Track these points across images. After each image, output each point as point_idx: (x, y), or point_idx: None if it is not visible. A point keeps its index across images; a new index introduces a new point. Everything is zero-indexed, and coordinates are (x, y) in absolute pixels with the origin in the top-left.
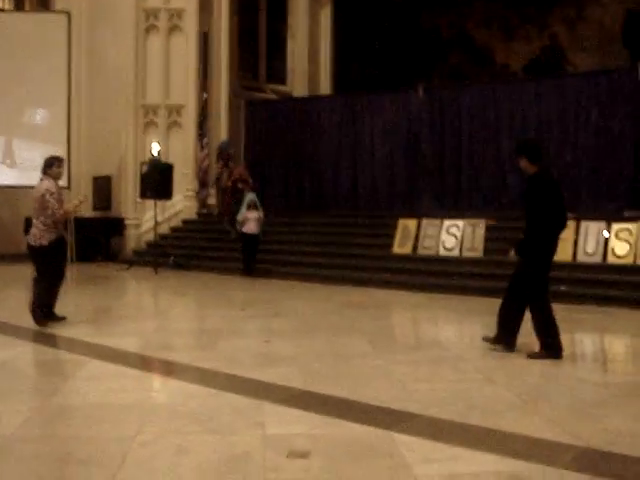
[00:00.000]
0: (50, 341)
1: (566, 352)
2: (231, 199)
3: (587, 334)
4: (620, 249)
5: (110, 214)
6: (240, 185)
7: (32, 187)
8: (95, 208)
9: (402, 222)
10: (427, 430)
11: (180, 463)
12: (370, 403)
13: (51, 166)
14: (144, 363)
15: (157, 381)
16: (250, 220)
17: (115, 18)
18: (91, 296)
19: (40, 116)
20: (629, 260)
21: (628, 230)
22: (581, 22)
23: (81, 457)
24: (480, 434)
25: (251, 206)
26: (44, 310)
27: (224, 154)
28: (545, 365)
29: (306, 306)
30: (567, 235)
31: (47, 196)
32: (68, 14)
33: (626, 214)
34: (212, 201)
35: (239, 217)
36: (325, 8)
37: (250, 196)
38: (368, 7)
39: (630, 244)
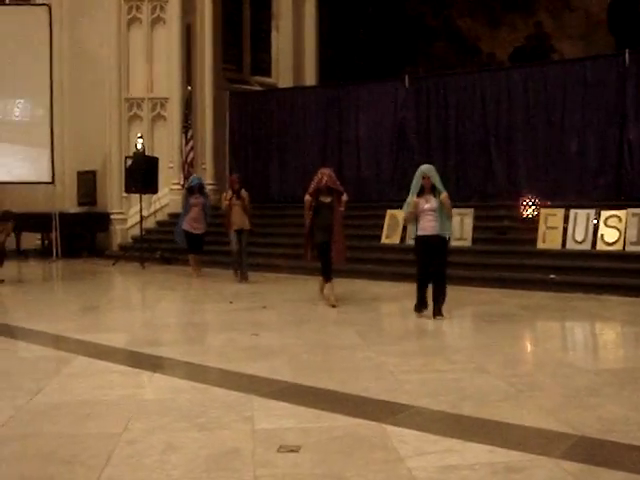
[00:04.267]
0: (36, 338)
1: (558, 340)
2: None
3: (578, 322)
4: (609, 236)
5: (95, 209)
6: (324, 199)
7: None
8: (80, 203)
9: (390, 212)
10: (419, 422)
11: (168, 460)
12: (361, 395)
13: None
14: (131, 359)
15: (145, 377)
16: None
17: (97, 10)
18: (77, 292)
19: (22, 111)
20: (619, 247)
21: (617, 217)
22: (566, 10)
23: (65, 456)
24: (473, 425)
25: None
26: None
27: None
28: (537, 354)
29: (294, 298)
30: (556, 223)
31: None
32: (49, 7)
33: (614, 201)
34: None
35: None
36: None
37: (425, 169)
38: None
39: (619, 231)
